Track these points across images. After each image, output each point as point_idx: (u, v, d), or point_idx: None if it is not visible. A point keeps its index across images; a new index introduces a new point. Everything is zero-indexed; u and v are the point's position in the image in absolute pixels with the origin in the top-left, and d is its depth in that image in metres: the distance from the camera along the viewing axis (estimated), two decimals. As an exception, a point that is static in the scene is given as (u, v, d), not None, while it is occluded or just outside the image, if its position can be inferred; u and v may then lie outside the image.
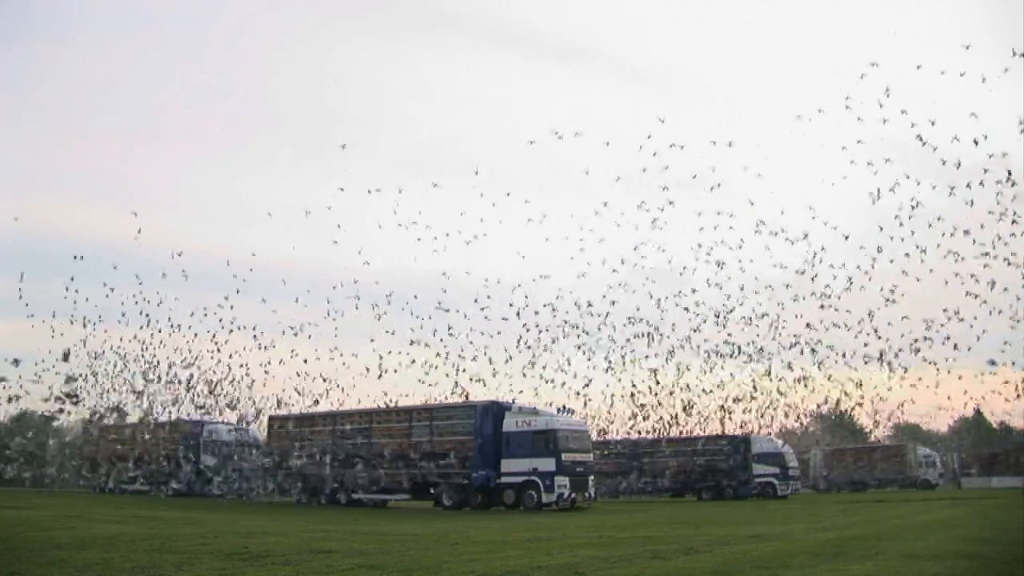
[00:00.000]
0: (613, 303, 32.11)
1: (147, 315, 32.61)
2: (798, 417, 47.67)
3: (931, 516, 19.52)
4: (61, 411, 28.76)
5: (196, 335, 33.81)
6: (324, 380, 32.69)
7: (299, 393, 33.47)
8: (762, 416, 38.31)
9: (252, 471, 34.79)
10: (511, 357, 32.23)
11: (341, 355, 32.30)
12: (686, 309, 31.35)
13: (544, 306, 32.44)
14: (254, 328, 33.60)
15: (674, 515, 22.79)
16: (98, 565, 9.05)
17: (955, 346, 26.66)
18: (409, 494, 28.34)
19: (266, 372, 33.96)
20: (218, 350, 33.76)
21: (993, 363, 25.63)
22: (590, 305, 32.04)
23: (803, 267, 28.43)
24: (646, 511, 25.99)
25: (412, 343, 32.03)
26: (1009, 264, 23.70)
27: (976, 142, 21.07)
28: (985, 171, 21.89)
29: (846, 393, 33.97)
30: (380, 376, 31.91)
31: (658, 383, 34.99)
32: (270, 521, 18.43)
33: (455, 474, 26.89)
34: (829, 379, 32.92)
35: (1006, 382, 27.85)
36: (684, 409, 37.19)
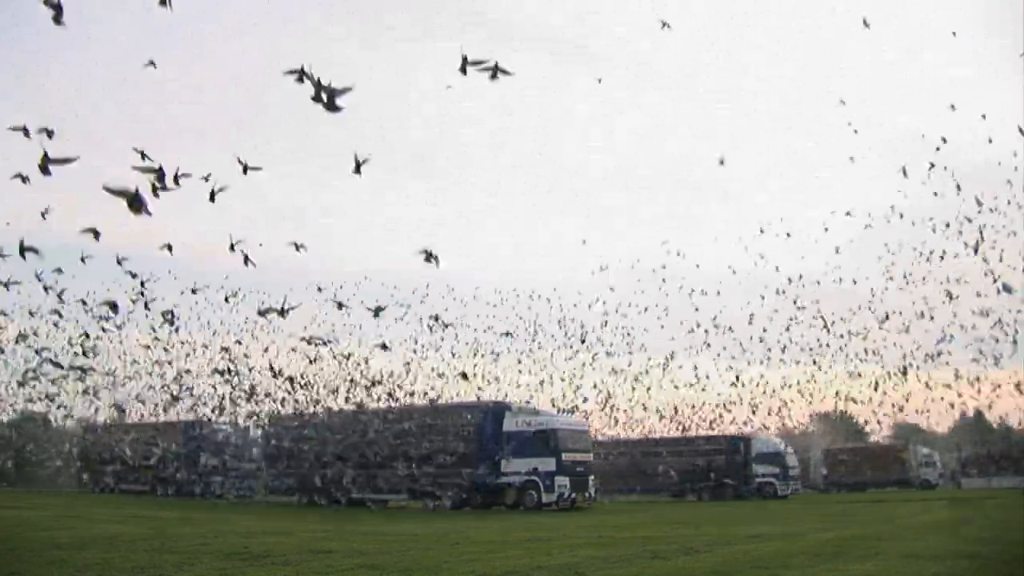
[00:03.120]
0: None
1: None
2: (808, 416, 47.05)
3: (931, 516, 19.54)
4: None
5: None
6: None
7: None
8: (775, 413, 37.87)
9: (252, 471, 34.72)
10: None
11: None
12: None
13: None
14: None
15: (674, 515, 22.80)
16: (98, 565, 9.07)
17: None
18: (409, 494, 28.34)
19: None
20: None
21: None
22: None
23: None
24: (646, 511, 26.03)
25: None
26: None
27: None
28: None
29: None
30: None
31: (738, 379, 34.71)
32: (270, 521, 18.46)
33: (455, 474, 26.90)
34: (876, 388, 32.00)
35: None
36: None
